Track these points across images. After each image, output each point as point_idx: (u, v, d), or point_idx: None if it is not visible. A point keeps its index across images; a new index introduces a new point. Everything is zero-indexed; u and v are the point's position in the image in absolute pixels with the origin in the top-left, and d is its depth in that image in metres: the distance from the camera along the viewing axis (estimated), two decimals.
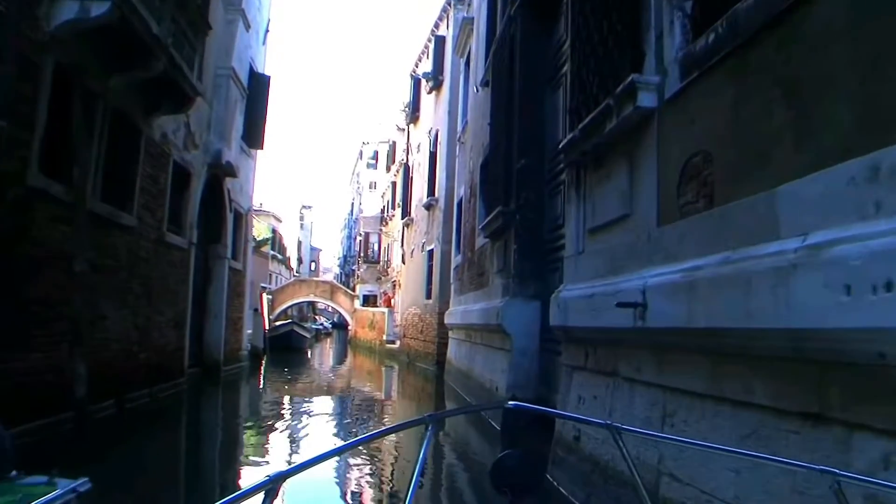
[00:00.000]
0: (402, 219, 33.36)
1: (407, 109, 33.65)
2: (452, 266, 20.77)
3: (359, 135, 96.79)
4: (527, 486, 1.93)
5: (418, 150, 30.83)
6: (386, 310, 36.75)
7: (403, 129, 48.71)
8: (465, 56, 21.18)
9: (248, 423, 12.76)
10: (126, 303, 11.55)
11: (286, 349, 33.26)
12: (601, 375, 6.51)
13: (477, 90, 16.49)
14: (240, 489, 1.48)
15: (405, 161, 34.62)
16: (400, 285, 42.39)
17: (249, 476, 8.15)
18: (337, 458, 8.21)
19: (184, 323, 14.84)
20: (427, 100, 29.51)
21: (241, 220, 20.27)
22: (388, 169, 56.55)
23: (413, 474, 2.29)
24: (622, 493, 5.19)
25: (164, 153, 13.23)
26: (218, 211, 17.99)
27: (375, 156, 70.46)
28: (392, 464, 9.33)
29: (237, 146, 18.34)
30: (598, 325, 6.25)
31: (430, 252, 25.79)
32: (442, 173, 25.12)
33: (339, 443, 9.76)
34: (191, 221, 15.09)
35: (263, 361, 25.22)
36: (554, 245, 10.59)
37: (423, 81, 29.12)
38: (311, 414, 14.24)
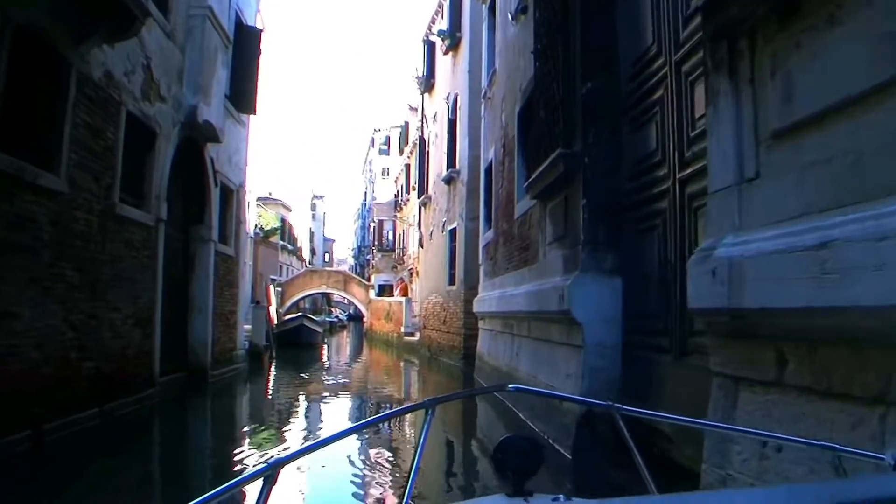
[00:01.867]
0: (419, 198, 30.22)
1: (420, 78, 30.44)
2: (481, 244, 17.61)
3: (370, 124, 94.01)
4: (529, 469, 1.85)
5: (434, 121, 27.67)
6: (403, 299, 33.62)
7: (416, 109, 46.03)
8: None
9: (227, 448, 9.61)
10: (52, 294, 8.45)
11: (296, 345, 30.17)
12: (826, 399, 3.35)
13: (511, 18, 13.26)
14: (238, 475, 1.50)
15: (420, 135, 31.46)
16: (417, 273, 39.47)
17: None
18: (337, 444, 6.10)
19: (151, 319, 11.74)
20: (443, 63, 26.32)
21: (231, 196, 17.14)
22: (402, 151, 54.01)
23: (414, 458, 2.03)
24: None
25: (112, 101, 10.11)
26: (199, 184, 14.88)
27: (387, 141, 68.70)
28: (393, 447, 9.45)
29: (220, 106, 15.20)
30: (834, 303, 3.08)
31: (453, 231, 22.66)
32: (463, 141, 21.96)
33: (339, 428, 7.88)
34: (157, 193, 11.98)
35: (266, 361, 22.06)
36: (640, 197, 7.47)
37: (439, 42, 25.90)
38: (314, 430, 11.11)
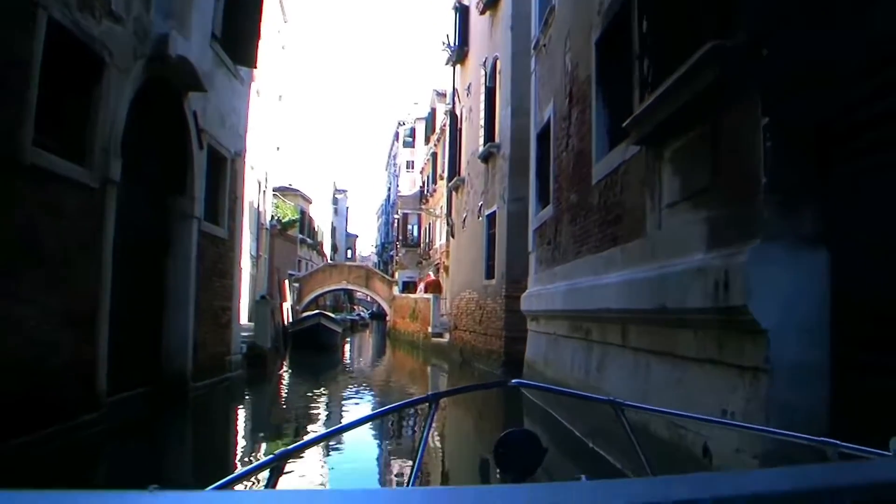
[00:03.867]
0: (449, 182, 26.79)
1: (450, 48, 27.02)
2: (531, 228, 14.21)
3: (394, 117, 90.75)
4: (529, 464, 1.79)
5: (468, 94, 24.27)
6: (430, 296, 30.24)
7: (444, 94, 42.86)
8: None
9: None
10: None
11: (312, 347, 26.87)
12: None
13: None
14: (245, 467, 1.51)
15: (451, 110, 28.01)
16: (446, 268, 36.23)
17: None
18: (342, 436, 8.35)
19: (92, 317, 8.45)
20: (478, 25, 22.92)
21: (224, 166, 13.82)
22: (428, 140, 51.23)
23: (418, 451, 2.20)
24: None
25: None
26: (177, 144, 11.58)
27: (412, 133, 66.48)
28: (396, 441, 9.96)
29: (205, 45, 11.97)
30: None
31: (491, 216, 19.26)
32: (505, 109, 18.55)
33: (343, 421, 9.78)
34: (105, 144, 8.67)
35: (272, 367, 18.71)
36: (875, 110, 4.09)
37: (475, 1, 22.49)
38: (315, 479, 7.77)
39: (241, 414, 12.61)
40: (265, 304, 19.56)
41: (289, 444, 1.99)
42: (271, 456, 1.44)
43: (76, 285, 8.06)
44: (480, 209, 20.59)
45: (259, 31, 14.46)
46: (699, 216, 5.72)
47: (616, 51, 8.79)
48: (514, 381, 2.27)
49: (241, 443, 10.30)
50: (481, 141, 20.69)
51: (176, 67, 10.35)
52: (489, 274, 19.19)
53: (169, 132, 11.34)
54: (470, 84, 24.16)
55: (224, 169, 13.76)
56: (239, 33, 13.68)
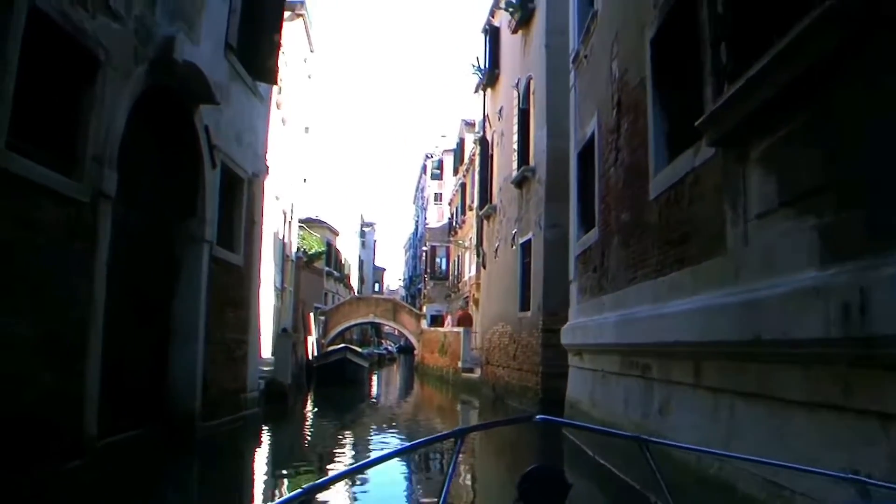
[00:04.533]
0: (481, 210, 25.69)
1: (480, 72, 26.12)
2: (573, 255, 13.05)
3: (422, 150, 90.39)
4: (554, 500, 1.83)
5: (500, 117, 23.27)
6: (461, 330, 29.05)
7: (472, 124, 42.10)
8: None
9: None
10: None
11: (338, 382, 25.76)
12: None
13: None
14: (273, 500, 0.96)
15: (482, 136, 27.00)
16: (476, 301, 35.14)
17: None
18: (368, 472, 8.23)
19: (81, 348, 7.40)
20: (510, 46, 21.99)
21: (240, 187, 12.83)
22: (456, 172, 50.39)
23: (443, 487, 2.03)
24: None
25: None
26: (187, 161, 10.61)
27: (440, 165, 66.11)
28: (422, 476, 9.77)
29: (218, 53, 11.10)
30: None
31: (526, 245, 18.12)
32: (540, 130, 17.50)
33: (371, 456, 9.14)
34: (98, 153, 7.69)
35: (293, 404, 17.58)
36: None
37: (506, 20, 21.48)
38: None
39: (255, 458, 11.39)
40: (286, 337, 18.49)
41: (314, 480, 1.64)
42: (300, 490, 1.44)
43: (59, 311, 7.03)
44: (514, 237, 19.46)
45: (279, 45, 13.57)
46: (806, 224, 4.55)
47: (675, 47, 7.71)
48: (538, 416, 2.24)
49: (252, 490, 9.15)
50: (514, 165, 19.63)
51: (183, 74, 9.41)
52: (524, 305, 18.00)
53: (177, 147, 10.38)
54: (501, 107, 23.19)
55: (240, 190, 12.77)
56: (257, 46, 12.79)
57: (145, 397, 9.64)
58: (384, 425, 16.96)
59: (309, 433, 15.19)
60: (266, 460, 11.43)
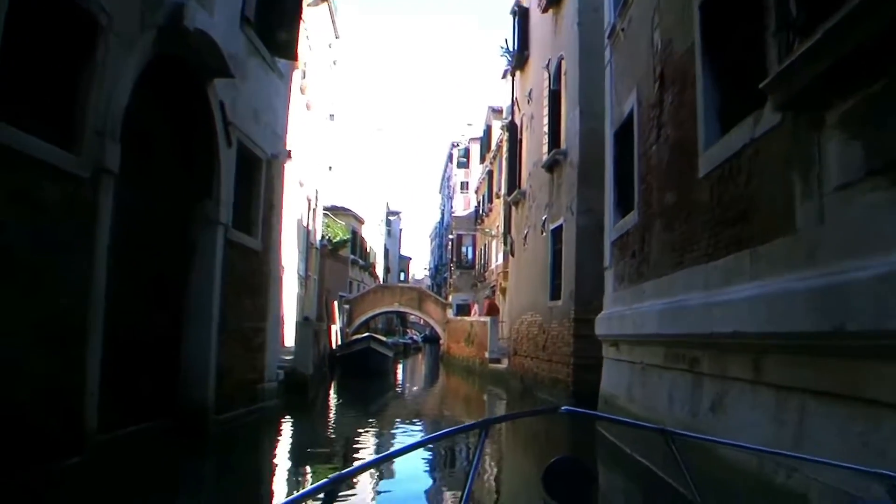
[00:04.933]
0: (509, 196, 24.93)
1: (508, 54, 25.38)
2: (608, 241, 12.32)
3: (447, 138, 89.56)
4: (579, 493, 1.82)
5: (529, 101, 22.48)
6: (487, 319, 28.38)
7: (500, 111, 41.38)
8: None
9: None
10: None
11: (361, 373, 25.20)
12: None
13: None
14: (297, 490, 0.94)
15: (511, 120, 26.22)
16: (503, 290, 34.50)
17: None
18: (392, 463, 8.32)
19: (80, 336, 6.83)
20: (540, 26, 21.21)
21: (259, 168, 12.23)
22: (483, 159, 49.91)
23: (468, 478, 2.06)
24: None
25: None
26: (200, 139, 10.02)
27: (466, 154, 65.47)
28: (446, 467, 9.68)
29: (234, 24, 10.50)
30: None
31: (557, 231, 17.39)
32: (572, 112, 16.73)
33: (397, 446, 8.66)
34: (99, 125, 7.10)
35: (314, 395, 17.00)
36: None
37: (536, 1, 20.79)
38: None
39: (272, 452, 10.79)
40: (307, 325, 17.87)
41: (337, 472, 1.51)
42: (326, 480, 1.46)
43: (54, 295, 6.46)
44: (544, 224, 18.73)
45: (299, 19, 13.00)
46: None
47: (727, 10, 7.00)
48: (564, 408, 2.25)
49: (271, 487, 8.56)
50: (545, 149, 18.88)
51: (195, 44, 8.80)
52: (555, 294, 17.28)
53: (191, 124, 9.79)
54: (531, 90, 22.40)
55: (258, 172, 12.17)
56: (276, 20, 12.18)
57: (155, 388, 9.10)
58: (409, 418, 16.38)
59: (330, 426, 14.62)
60: (284, 455, 10.83)
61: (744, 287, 5.88)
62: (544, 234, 18.68)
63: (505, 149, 30.95)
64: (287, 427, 12.98)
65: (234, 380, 10.86)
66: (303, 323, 18.45)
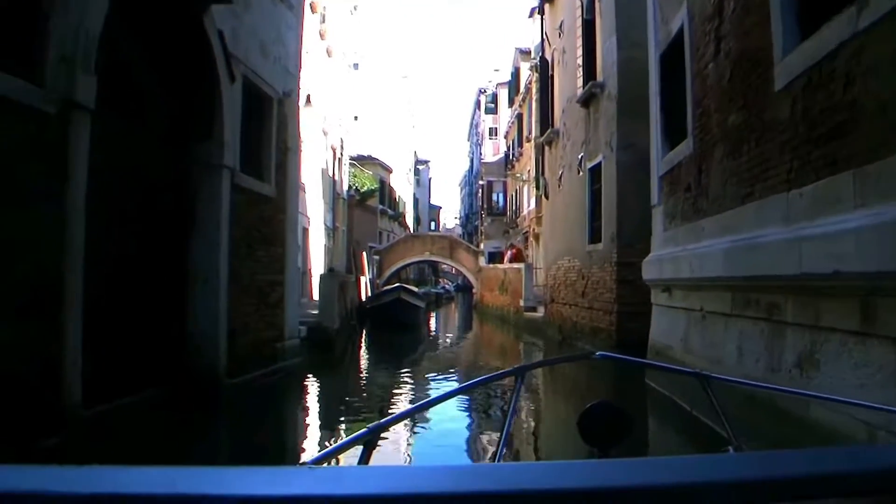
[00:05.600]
0: (541, 136, 23.65)
1: None
2: (655, 175, 11.13)
3: (473, 87, 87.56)
4: (616, 437, 1.79)
5: (560, 34, 21.05)
6: (521, 266, 27.29)
7: (528, 52, 39.86)
8: None
9: None
10: None
11: (392, 324, 24.31)
12: None
13: None
14: (338, 442, 1.51)
15: (541, 56, 24.79)
16: (535, 235, 33.48)
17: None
18: (428, 411, 7.98)
19: (55, 301, 5.86)
20: None
21: (269, 107, 11.16)
22: (512, 103, 48.56)
23: (505, 425, 2.27)
24: None
25: None
26: (196, 71, 8.94)
27: (494, 99, 64.03)
28: (482, 414, 9.67)
29: None
30: None
31: (595, 169, 16.18)
32: (609, 40, 15.39)
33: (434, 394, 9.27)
34: (67, 53, 6.04)
35: (341, 351, 16.13)
36: None
37: None
38: None
39: (291, 415, 9.93)
40: (332, 277, 16.89)
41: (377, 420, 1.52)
42: (365, 430, 1.43)
43: (21, 252, 5.49)
44: (581, 162, 17.50)
45: None
46: None
47: None
48: (598, 353, 2.28)
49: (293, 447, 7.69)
50: (579, 83, 17.53)
51: None
52: (594, 237, 16.15)
53: (187, 56, 8.72)
54: (562, 22, 20.95)
55: (269, 111, 11.11)
56: None
57: (157, 353, 8.20)
58: (442, 371, 15.61)
59: (358, 382, 13.66)
60: (305, 417, 9.97)
61: (845, 217, 4.75)
62: (581, 173, 17.47)
63: (535, 90, 29.75)
64: (312, 386, 12.10)
65: (248, 339, 9.98)
66: (327, 275, 17.54)
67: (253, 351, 10.10)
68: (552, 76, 22.46)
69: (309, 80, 23.23)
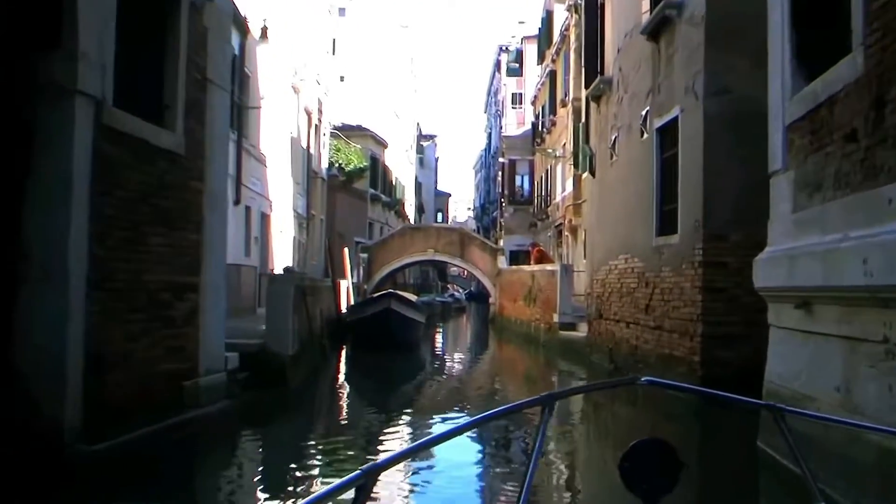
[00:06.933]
0: (587, 88, 21.60)
1: None
2: (778, 124, 8.89)
3: (492, 47, 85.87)
4: (666, 483, 1.88)
5: None
6: (557, 267, 25.36)
7: None
8: None
9: None
10: None
11: (381, 343, 22.54)
12: None
13: None
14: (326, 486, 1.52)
15: None
16: (572, 228, 31.66)
17: None
18: (437, 448, 8.10)
19: None
20: None
21: (175, 14, 8.72)
22: (542, 59, 47.81)
23: (529, 466, 2.26)
24: None
25: None
26: None
27: (519, 57, 65.58)
28: (502, 452, 10.22)
29: None
30: None
31: (667, 129, 14.17)
32: None
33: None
34: None
35: (292, 383, 13.85)
36: None
37: None
38: None
39: None
40: (286, 281, 14.37)
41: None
42: (357, 471, 1.48)
43: None
44: (645, 120, 15.39)
45: None
46: None
47: None
48: (644, 378, 2.37)
49: None
50: (645, 5, 15.40)
51: None
52: (665, 227, 14.22)
53: None
54: None
55: (174, 18, 8.79)
56: None
57: None
58: (446, 413, 14.36)
59: (320, 436, 11.47)
60: None
61: None
62: (646, 135, 15.42)
63: (573, 36, 27.81)
64: (243, 447, 10.18)
65: (131, 375, 7.78)
66: (279, 277, 15.17)
67: (139, 394, 7.81)
68: (602, 5, 20.47)
69: (267, 7, 21.32)
